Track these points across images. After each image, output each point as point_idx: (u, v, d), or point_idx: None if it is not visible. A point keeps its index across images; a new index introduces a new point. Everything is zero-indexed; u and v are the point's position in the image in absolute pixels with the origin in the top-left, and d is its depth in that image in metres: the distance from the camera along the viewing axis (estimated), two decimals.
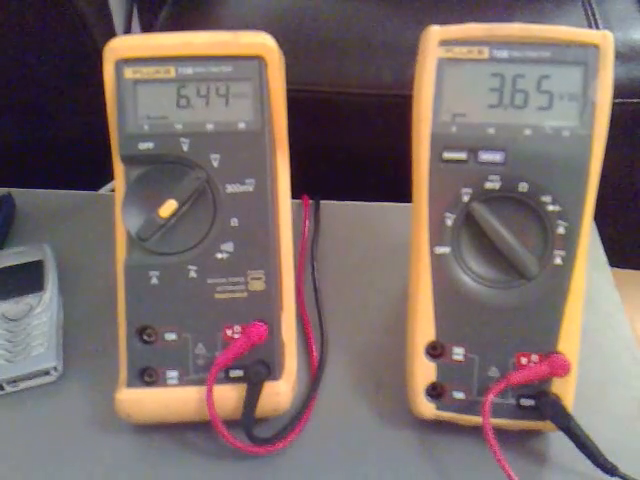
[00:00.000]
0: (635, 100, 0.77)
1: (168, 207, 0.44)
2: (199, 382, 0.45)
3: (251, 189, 0.45)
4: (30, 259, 0.56)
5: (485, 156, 0.42)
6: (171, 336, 0.45)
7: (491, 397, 0.42)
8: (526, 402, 0.44)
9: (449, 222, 0.43)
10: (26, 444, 0.46)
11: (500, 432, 0.42)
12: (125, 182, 0.45)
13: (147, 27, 1.00)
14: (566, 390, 0.43)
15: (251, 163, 0.45)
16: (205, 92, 0.44)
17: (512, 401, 0.44)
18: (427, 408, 0.45)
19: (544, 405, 0.43)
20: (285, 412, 0.46)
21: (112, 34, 0.84)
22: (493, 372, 0.44)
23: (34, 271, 0.55)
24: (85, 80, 0.70)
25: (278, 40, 0.45)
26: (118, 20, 0.90)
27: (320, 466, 0.45)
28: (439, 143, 0.42)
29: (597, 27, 0.82)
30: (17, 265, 0.56)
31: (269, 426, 0.46)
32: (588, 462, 0.42)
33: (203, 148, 0.44)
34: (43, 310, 0.52)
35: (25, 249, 0.57)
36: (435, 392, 0.45)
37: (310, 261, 0.58)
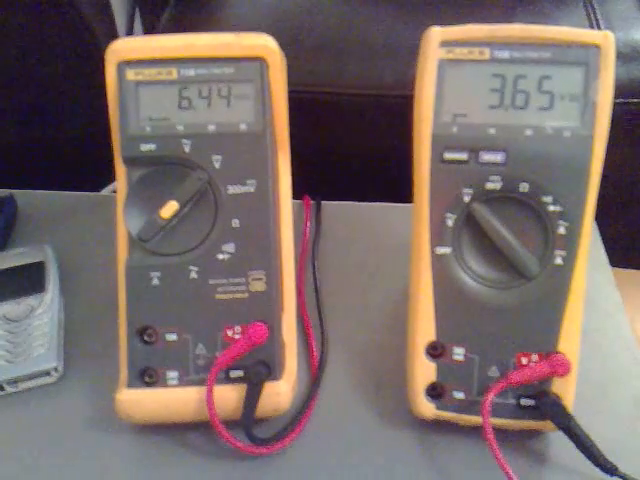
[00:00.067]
0: (636, 100, 0.77)
1: (169, 208, 0.44)
2: (199, 382, 0.45)
3: (252, 190, 0.45)
4: (31, 260, 0.56)
5: (486, 156, 0.42)
6: (171, 336, 0.45)
7: (491, 397, 0.42)
8: (526, 402, 0.44)
9: (450, 222, 0.43)
10: (27, 444, 0.46)
11: (500, 432, 0.42)
12: (127, 183, 0.45)
13: (149, 29, 1.00)
14: (566, 390, 0.43)
15: (252, 164, 0.45)
16: (207, 93, 0.44)
17: (512, 401, 0.44)
18: (427, 408, 0.45)
19: (544, 405, 0.43)
20: (285, 412, 0.46)
21: (114, 36, 0.84)
22: (493, 372, 0.44)
23: (35, 272, 0.55)
24: (87, 82, 0.70)
25: (279, 41, 0.46)
26: (120, 22, 0.90)
27: (320, 466, 0.45)
28: (440, 143, 0.42)
29: (598, 27, 0.82)
30: (18, 266, 0.56)
31: (269, 426, 0.46)
32: (588, 462, 0.42)
33: (205, 149, 0.44)
34: (44, 311, 0.52)
35: (26, 250, 0.57)
36: (435, 392, 0.45)
37: (311, 261, 0.58)
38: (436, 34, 0.42)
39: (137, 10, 0.99)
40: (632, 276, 0.81)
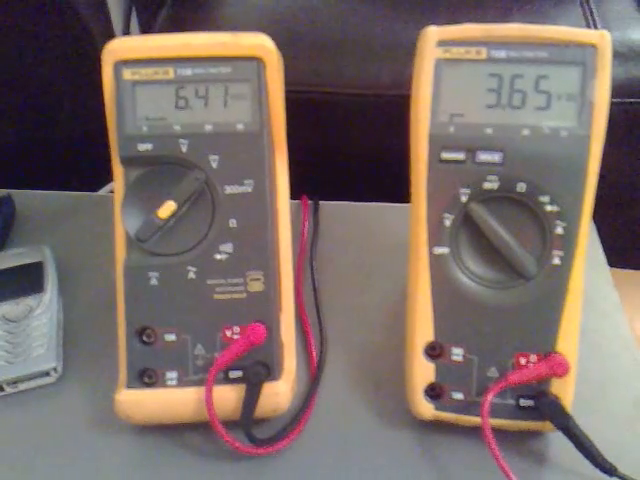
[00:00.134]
0: (633, 100, 0.77)
1: (167, 208, 0.44)
2: (198, 383, 0.45)
3: (250, 190, 0.45)
4: (30, 260, 0.56)
5: (483, 156, 0.42)
6: (170, 337, 0.45)
7: (490, 397, 0.42)
8: (525, 402, 0.44)
9: (447, 222, 0.43)
10: (26, 445, 0.46)
11: (499, 432, 0.42)
12: (124, 183, 0.45)
13: (146, 28, 1.00)
14: (565, 390, 0.43)
15: (250, 164, 0.45)
16: (204, 93, 0.44)
17: (511, 401, 0.44)
18: (426, 408, 0.45)
19: (543, 405, 0.43)
20: (284, 412, 0.46)
21: (111, 35, 0.84)
22: (492, 372, 0.44)
23: (34, 272, 0.55)
24: (84, 81, 0.70)
25: (276, 41, 0.45)
26: (117, 21, 0.90)
27: (319, 466, 0.45)
28: (437, 143, 0.42)
29: (595, 27, 0.82)
30: (17, 266, 0.56)
31: (268, 426, 0.46)
32: (587, 462, 0.42)
33: (202, 149, 0.44)
34: (43, 311, 0.52)
35: (25, 250, 0.57)
36: (434, 392, 0.45)
37: (309, 261, 0.58)
38: (433, 34, 0.42)
39: (133, 9, 0.99)
40: (630, 276, 0.81)
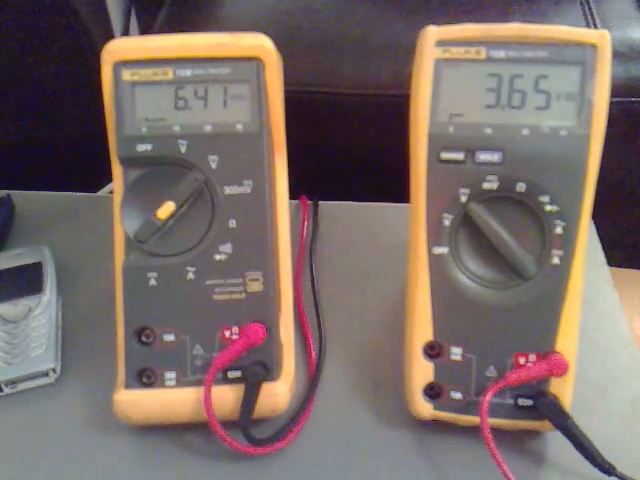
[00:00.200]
0: (633, 99, 0.77)
1: (166, 209, 0.44)
2: (197, 383, 0.45)
3: (249, 190, 0.45)
4: (29, 261, 0.56)
5: (483, 156, 0.42)
6: (169, 337, 0.45)
7: (489, 397, 0.42)
8: (524, 402, 0.44)
9: (447, 222, 0.43)
10: (25, 445, 0.46)
11: (498, 432, 0.42)
12: (123, 184, 0.45)
13: (145, 29, 1.00)
14: (564, 390, 0.43)
15: (249, 164, 0.45)
16: (203, 94, 0.44)
17: (510, 401, 0.44)
18: (425, 408, 0.45)
19: (542, 405, 0.43)
20: (283, 413, 0.46)
21: (110, 36, 0.84)
22: (491, 372, 0.44)
23: (33, 273, 0.55)
24: (83, 82, 0.70)
25: (276, 41, 0.45)
26: (116, 22, 0.90)
27: (318, 466, 0.45)
28: (436, 143, 0.42)
29: (595, 26, 0.82)
30: (16, 267, 0.56)
31: (267, 427, 0.46)
32: (586, 462, 0.42)
33: (201, 150, 0.44)
34: (42, 312, 0.52)
35: (24, 251, 0.57)
36: (433, 392, 0.45)
37: (308, 262, 0.58)
38: (432, 33, 0.42)
39: (133, 10, 0.99)
40: (630, 275, 0.81)
